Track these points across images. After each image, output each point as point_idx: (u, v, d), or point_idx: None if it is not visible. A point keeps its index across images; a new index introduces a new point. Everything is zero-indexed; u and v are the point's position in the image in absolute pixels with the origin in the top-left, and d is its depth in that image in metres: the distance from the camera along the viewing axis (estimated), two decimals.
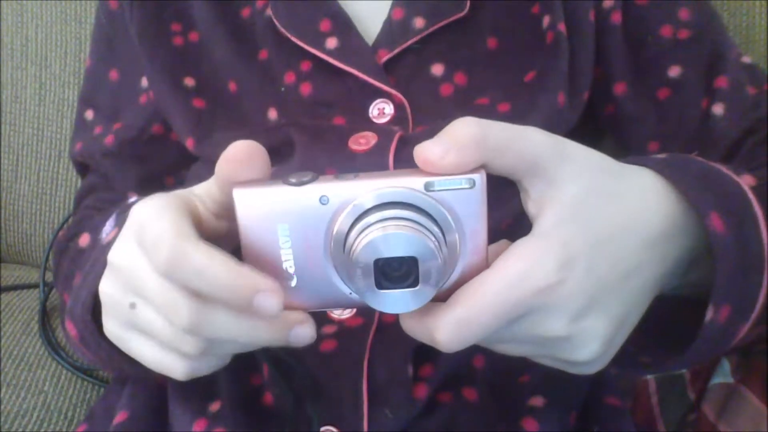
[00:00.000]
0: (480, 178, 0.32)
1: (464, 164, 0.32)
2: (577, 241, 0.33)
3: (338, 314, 0.51)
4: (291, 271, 0.34)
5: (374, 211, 0.32)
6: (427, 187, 0.32)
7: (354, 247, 0.32)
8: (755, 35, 0.75)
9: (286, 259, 0.34)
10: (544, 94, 0.55)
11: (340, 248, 0.33)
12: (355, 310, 0.51)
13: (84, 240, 0.57)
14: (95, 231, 0.56)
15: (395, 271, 0.32)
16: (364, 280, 0.32)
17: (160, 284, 0.34)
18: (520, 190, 0.35)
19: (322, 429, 0.48)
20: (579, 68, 0.57)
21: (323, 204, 0.33)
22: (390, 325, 0.50)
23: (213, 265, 0.32)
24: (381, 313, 0.50)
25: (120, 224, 0.46)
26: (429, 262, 0.31)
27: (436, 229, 0.32)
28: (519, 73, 0.56)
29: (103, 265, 0.44)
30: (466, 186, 0.32)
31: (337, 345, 0.50)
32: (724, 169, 0.40)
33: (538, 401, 0.51)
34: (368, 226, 0.32)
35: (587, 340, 0.34)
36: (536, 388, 0.52)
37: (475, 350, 0.52)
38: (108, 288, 0.39)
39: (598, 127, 0.63)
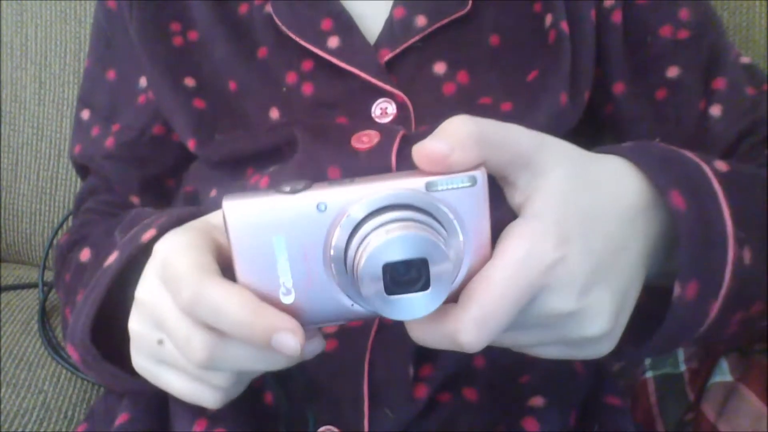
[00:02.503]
0: (481, 175, 0.32)
1: (467, 162, 0.32)
2: (568, 219, 0.33)
3: None
4: (288, 286, 0.33)
5: (375, 215, 0.31)
6: (429, 187, 0.31)
7: (358, 255, 0.31)
8: (755, 35, 0.75)
9: (283, 273, 0.32)
10: (546, 93, 0.55)
11: (340, 258, 0.32)
12: None
13: (85, 255, 0.57)
14: (96, 247, 0.57)
15: (405, 276, 0.30)
16: (374, 289, 0.30)
17: (178, 320, 0.35)
18: (504, 185, 0.35)
19: (323, 429, 0.48)
20: (580, 67, 0.57)
21: (321, 212, 0.31)
22: (390, 326, 0.50)
23: (231, 303, 0.32)
24: None
25: (120, 248, 0.46)
26: (439, 262, 0.30)
27: (440, 229, 0.31)
28: (521, 72, 0.56)
29: (102, 288, 0.45)
30: (468, 184, 0.31)
31: (337, 345, 0.50)
32: (685, 152, 0.41)
33: (538, 401, 0.51)
34: (371, 231, 0.31)
35: (595, 314, 0.35)
36: (536, 388, 0.52)
37: None
38: (136, 324, 0.40)
39: (598, 126, 0.63)
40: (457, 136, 0.31)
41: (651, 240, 0.38)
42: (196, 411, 0.51)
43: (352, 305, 0.33)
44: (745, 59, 0.59)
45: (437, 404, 0.50)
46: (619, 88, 0.60)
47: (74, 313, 0.47)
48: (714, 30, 0.59)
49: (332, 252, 0.32)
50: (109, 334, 0.45)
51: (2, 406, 0.66)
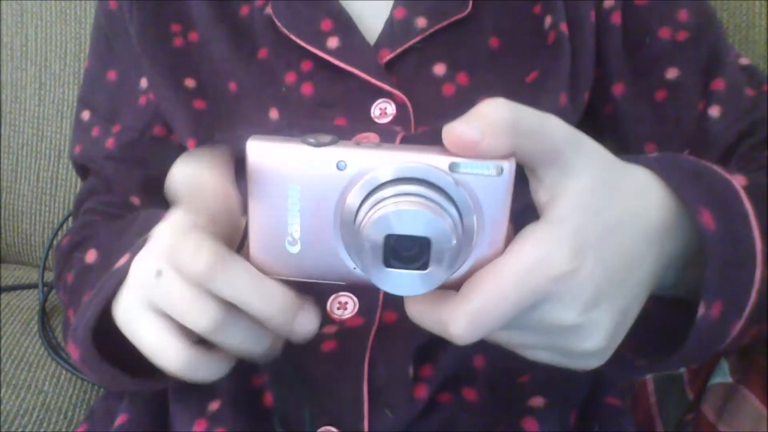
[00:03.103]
0: (509, 166, 0.30)
1: (498, 150, 0.30)
2: (588, 230, 0.32)
3: (339, 314, 0.51)
4: (296, 236, 0.33)
5: (392, 184, 0.31)
6: (452, 167, 0.30)
7: (366, 220, 0.30)
8: (754, 35, 0.75)
9: (293, 223, 0.32)
10: (545, 94, 0.55)
11: (350, 219, 0.31)
12: (356, 309, 0.51)
13: (91, 256, 0.57)
14: (103, 249, 0.56)
15: (406, 251, 0.30)
16: (372, 256, 0.30)
17: (195, 232, 0.35)
18: (531, 178, 0.34)
19: (322, 429, 0.48)
20: (580, 68, 0.57)
21: (340, 170, 0.31)
22: (391, 325, 0.50)
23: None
24: (382, 313, 0.51)
25: (133, 250, 0.46)
26: (443, 246, 0.30)
27: (454, 212, 0.31)
28: (521, 74, 0.56)
29: (109, 290, 0.45)
30: (493, 172, 0.30)
31: (337, 345, 0.50)
32: (715, 167, 0.40)
33: (538, 401, 0.51)
34: (383, 199, 0.30)
35: (594, 331, 0.34)
36: (536, 388, 0.52)
37: (475, 350, 0.53)
38: (139, 259, 0.39)
39: (598, 127, 0.63)
40: (491, 120, 0.30)
41: (667, 257, 0.37)
42: (196, 411, 0.51)
43: (354, 268, 0.33)
44: (744, 60, 0.59)
45: (437, 404, 0.50)
46: (618, 89, 0.60)
47: (79, 311, 0.47)
48: (713, 31, 0.59)
49: (344, 212, 0.32)
50: (112, 338, 0.45)
51: (2, 406, 0.66)
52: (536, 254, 0.31)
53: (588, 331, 0.34)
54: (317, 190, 0.32)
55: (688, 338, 0.38)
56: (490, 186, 0.31)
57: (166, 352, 0.38)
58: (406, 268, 0.31)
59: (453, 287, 0.32)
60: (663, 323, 0.40)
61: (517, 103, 0.31)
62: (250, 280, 0.34)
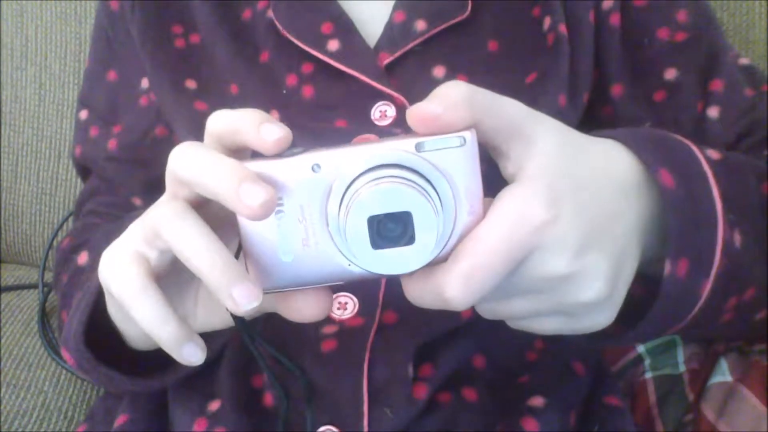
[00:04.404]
0: (470, 135, 0.32)
1: (459, 123, 0.32)
2: (560, 184, 0.34)
3: (339, 314, 0.51)
4: (288, 245, 0.34)
5: (366, 174, 0.32)
6: (418, 147, 0.32)
7: (347, 209, 0.31)
8: (755, 35, 0.75)
9: (282, 232, 0.33)
10: (545, 95, 0.55)
11: (335, 215, 0.32)
12: (356, 309, 0.51)
13: (83, 258, 0.57)
14: (93, 251, 0.56)
15: (391, 230, 0.31)
16: (360, 242, 0.31)
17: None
18: (498, 157, 0.35)
19: (322, 429, 0.48)
20: (579, 69, 0.57)
21: (315, 172, 0.32)
22: (391, 325, 0.51)
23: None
24: (382, 313, 0.51)
25: None
26: (425, 216, 0.31)
27: (428, 187, 0.32)
28: (520, 75, 0.56)
29: (93, 292, 0.44)
30: (457, 144, 0.32)
31: (337, 345, 0.50)
32: (677, 136, 0.42)
33: (538, 401, 0.51)
34: (359, 189, 0.31)
35: (591, 278, 0.34)
36: (536, 388, 0.52)
37: (475, 350, 0.53)
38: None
39: (597, 128, 0.63)
40: (450, 97, 0.32)
41: (643, 218, 0.38)
42: (196, 411, 0.51)
43: (349, 265, 0.34)
44: (744, 60, 0.59)
45: (437, 404, 0.50)
46: (617, 90, 0.60)
47: (69, 315, 0.47)
48: (712, 31, 0.59)
49: (328, 211, 0.33)
50: (105, 336, 0.45)
51: (2, 406, 0.66)
52: (515, 209, 0.33)
53: (585, 280, 0.34)
54: (299, 196, 0.33)
55: (657, 299, 0.38)
56: (457, 157, 0.32)
57: (125, 269, 0.36)
58: (395, 245, 0.32)
59: (444, 261, 0.33)
60: (644, 303, 0.41)
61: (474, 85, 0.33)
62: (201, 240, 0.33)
